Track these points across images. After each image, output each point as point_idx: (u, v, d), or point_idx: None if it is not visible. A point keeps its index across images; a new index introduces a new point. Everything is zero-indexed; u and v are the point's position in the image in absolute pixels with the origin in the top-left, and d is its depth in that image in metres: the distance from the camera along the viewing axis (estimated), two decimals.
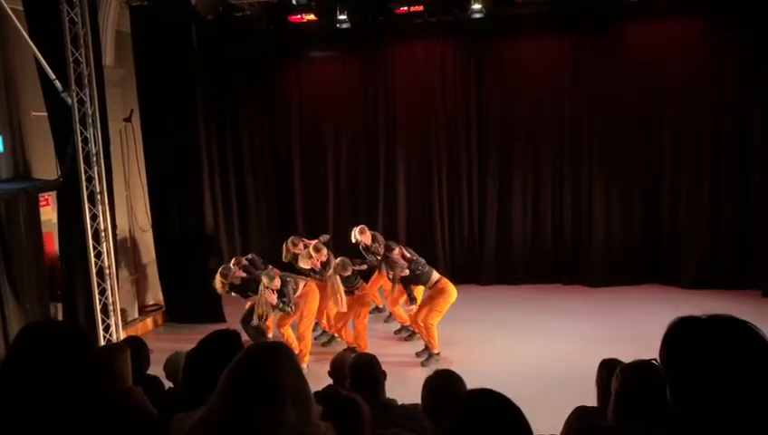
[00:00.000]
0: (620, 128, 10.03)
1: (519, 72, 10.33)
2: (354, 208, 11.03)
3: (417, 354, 7.77)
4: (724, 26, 9.38)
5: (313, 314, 7.89)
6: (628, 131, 10.02)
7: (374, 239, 8.66)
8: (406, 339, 8.46)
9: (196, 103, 9.84)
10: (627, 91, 9.91)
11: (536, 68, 10.23)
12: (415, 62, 10.82)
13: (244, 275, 7.89)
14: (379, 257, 8.35)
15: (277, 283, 7.46)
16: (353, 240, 8.71)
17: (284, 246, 8.55)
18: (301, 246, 8.38)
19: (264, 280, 7.45)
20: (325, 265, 8.04)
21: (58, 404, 1.88)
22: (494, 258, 10.79)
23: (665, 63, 9.66)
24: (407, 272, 7.62)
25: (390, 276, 7.87)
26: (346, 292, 7.72)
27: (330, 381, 4.34)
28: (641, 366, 2.54)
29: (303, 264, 8.14)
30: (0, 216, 7.41)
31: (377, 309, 9.22)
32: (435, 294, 7.70)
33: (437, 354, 7.64)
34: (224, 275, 7.84)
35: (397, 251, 7.76)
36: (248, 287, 7.88)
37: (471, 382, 3.29)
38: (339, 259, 7.73)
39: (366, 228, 8.76)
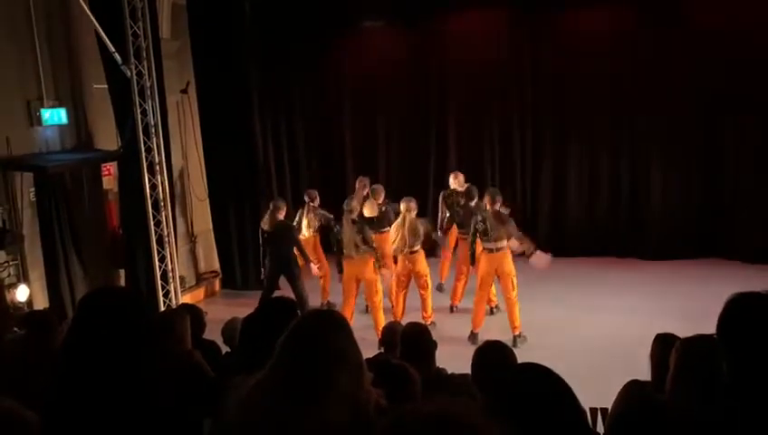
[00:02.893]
0: (682, 96, 9.67)
1: (575, 42, 10.01)
2: (405, 183, 10.94)
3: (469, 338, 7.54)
4: None
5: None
6: (689, 99, 9.65)
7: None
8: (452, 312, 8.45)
9: (250, 74, 9.93)
10: (689, 61, 9.52)
11: (594, 36, 9.91)
12: (469, 30, 10.59)
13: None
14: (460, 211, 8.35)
15: None
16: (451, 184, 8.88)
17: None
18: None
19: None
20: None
21: (118, 362, 1.99)
22: (548, 230, 10.64)
23: (728, 33, 9.18)
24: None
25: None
26: (409, 253, 7.75)
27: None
28: (703, 340, 2.50)
29: (367, 211, 8.21)
30: (65, 185, 7.72)
31: (440, 287, 9.10)
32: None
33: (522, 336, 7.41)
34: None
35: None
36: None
37: (522, 355, 3.31)
38: (404, 198, 7.81)
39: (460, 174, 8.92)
